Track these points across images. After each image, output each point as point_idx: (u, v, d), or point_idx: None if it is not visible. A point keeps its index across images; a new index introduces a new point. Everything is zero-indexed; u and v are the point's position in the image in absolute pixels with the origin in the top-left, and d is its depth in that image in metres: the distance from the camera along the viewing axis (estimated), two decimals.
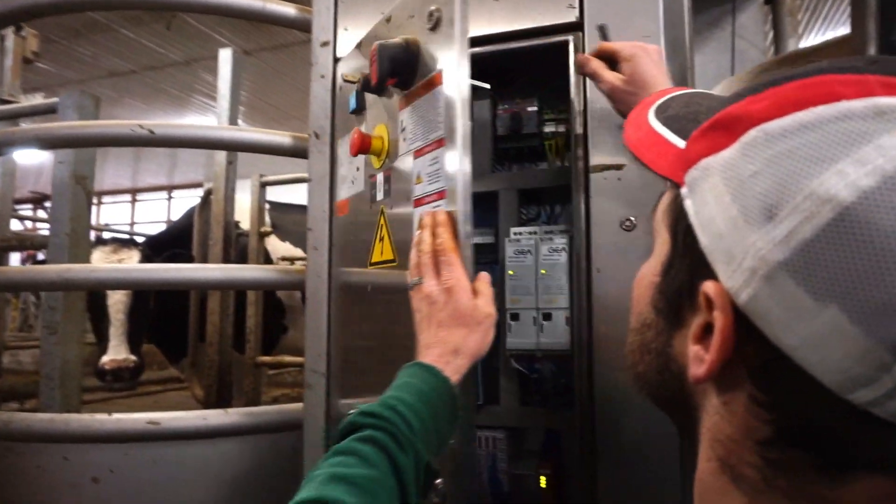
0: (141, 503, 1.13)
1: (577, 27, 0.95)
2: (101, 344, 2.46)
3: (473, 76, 0.81)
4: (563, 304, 1.00)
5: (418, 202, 0.83)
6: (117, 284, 1.62)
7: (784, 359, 0.33)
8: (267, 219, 3.16)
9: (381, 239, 0.92)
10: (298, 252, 3.27)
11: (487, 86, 1.11)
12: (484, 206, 1.09)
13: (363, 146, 0.91)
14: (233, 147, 1.78)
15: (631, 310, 0.49)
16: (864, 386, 0.30)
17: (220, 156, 2.55)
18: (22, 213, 8.44)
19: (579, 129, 0.95)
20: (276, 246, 3.31)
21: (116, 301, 2.48)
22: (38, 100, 2.36)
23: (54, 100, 1.83)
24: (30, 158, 9.00)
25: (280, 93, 7.82)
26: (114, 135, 1.17)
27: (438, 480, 0.63)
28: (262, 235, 3.01)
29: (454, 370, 0.68)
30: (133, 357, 2.45)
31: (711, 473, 0.39)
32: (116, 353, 2.43)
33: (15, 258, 7.45)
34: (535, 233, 1.06)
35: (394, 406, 0.60)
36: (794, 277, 0.31)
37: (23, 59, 2.93)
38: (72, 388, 1.74)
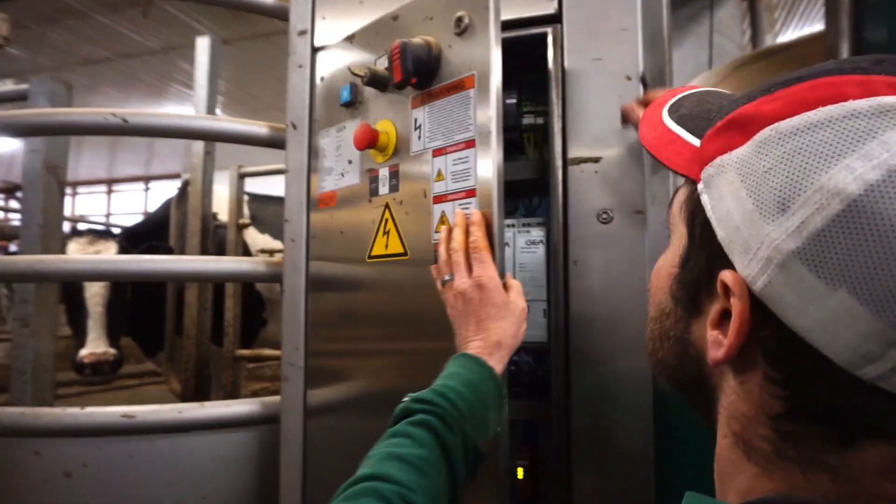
0: (115, 498, 1.12)
1: (555, 19, 0.95)
2: (79, 337, 2.42)
3: None
4: (540, 296, 1.00)
5: (440, 199, 0.87)
6: (90, 276, 1.59)
7: (797, 340, 0.35)
8: (246, 210, 3.12)
9: (387, 232, 0.94)
10: (278, 244, 3.24)
11: None
12: None
13: (371, 141, 0.92)
14: (209, 137, 1.75)
15: (649, 300, 0.52)
16: (872, 362, 0.33)
17: (198, 146, 2.51)
18: None
19: (557, 122, 0.95)
20: (255, 238, 3.28)
21: (95, 293, 2.43)
22: (8, 86, 2.30)
23: (24, 86, 1.78)
24: (1, 146, 8.79)
25: (260, 83, 7.71)
26: (86, 123, 1.14)
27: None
28: (241, 227, 2.98)
29: (497, 361, 0.72)
30: (112, 350, 2.42)
31: (727, 448, 0.42)
32: (95, 346, 2.39)
33: None
34: (512, 225, 1.07)
35: (444, 393, 0.65)
36: (807, 265, 0.34)
37: None
38: (44, 382, 1.71)
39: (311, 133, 1.13)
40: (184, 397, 2.52)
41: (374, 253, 0.97)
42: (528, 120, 1.08)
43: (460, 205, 0.84)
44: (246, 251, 3.15)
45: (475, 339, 0.73)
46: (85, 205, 13.64)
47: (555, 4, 0.95)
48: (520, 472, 1.03)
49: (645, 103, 0.88)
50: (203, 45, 2.52)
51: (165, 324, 2.78)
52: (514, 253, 1.03)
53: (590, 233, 0.92)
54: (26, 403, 1.63)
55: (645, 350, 0.52)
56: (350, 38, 1.05)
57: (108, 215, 13.38)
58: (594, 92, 0.92)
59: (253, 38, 6.47)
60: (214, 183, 2.60)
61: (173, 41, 6.60)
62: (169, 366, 2.95)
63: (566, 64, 0.94)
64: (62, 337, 2.58)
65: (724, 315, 0.40)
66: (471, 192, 0.82)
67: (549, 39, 0.96)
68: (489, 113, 0.80)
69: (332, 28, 1.14)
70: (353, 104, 1.02)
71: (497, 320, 0.74)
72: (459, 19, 0.84)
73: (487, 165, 0.80)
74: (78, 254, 2.44)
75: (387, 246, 0.94)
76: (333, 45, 1.10)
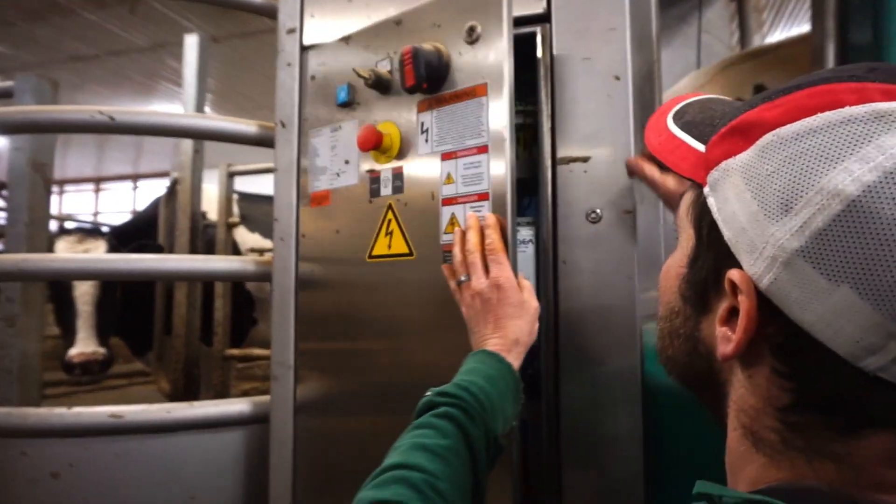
0: (103, 498, 1.11)
1: (544, 18, 0.95)
2: (68, 336, 2.40)
3: None
4: None
5: (449, 201, 0.90)
6: (77, 275, 1.58)
7: (802, 334, 0.37)
8: (235, 209, 3.10)
9: (390, 233, 0.96)
10: (268, 243, 3.22)
11: None
12: None
13: (376, 142, 0.94)
14: (197, 135, 1.74)
15: (658, 300, 0.54)
16: (874, 353, 0.35)
17: (187, 144, 2.50)
18: None
19: (546, 122, 0.95)
20: (245, 237, 3.26)
21: (84, 292, 2.41)
22: None
23: (9, 83, 1.76)
24: None
25: (250, 81, 7.67)
26: (72, 121, 1.13)
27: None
28: (230, 226, 2.96)
29: (515, 357, 0.76)
30: (102, 350, 2.39)
31: (737, 441, 0.44)
32: (85, 345, 2.36)
33: None
34: None
35: (466, 387, 0.67)
36: (810, 262, 0.36)
37: None
38: (31, 382, 1.70)
39: (300, 132, 1.13)
40: (173, 397, 2.50)
41: (375, 253, 0.98)
42: (517, 119, 1.08)
43: (472, 207, 0.87)
44: (236, 250, 3.13)
45: (494, 337, 0.76)
46: (73, 203, 13.51)
47: (543, 4, 0.95)
48: None
49: (650, 156, 0.90)
50: (192, 42, 2.50)
51: (154, 323, 2.76)
52: None
53: (579, 232, 0.92)
54: (13, 403, 1.61)
55: (655, 348, 0.54)
56: (346, 39, 1.06)
57: (96, 214, 13.25)
58: (583, 91, 0.93)
59: (242, 36, 6.43)
60: (204, 181, 2.58)
61: (161, 38, 6.54)
62: (158, 366, 2.93)
63: (555, 63, 0.95)
64: (49, 336, 2.56)
65: (732, 312, 0.42)
66: (483, 196, 0.86)
67: (538, 39, 0.97)
68: (503, 121, 0.84)
69: (320, 26, 1.14)
70: (350, 105, 1.04)
71: (514, 319, 0.77)
72: (472, 28, 0.87)
73: (501, 171, 0.84)
74: (66, 252, 2.41)
75: (390, 246, 0.96)
76: (327, 45, 1.10)
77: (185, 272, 1.29)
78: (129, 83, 7.94)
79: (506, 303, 0.77)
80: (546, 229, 0.94)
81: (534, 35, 0.97)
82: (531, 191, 1.08)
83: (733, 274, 0.41)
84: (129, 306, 2.72)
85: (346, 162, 1.04)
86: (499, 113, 0.85)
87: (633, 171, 0.91)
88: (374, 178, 1.00)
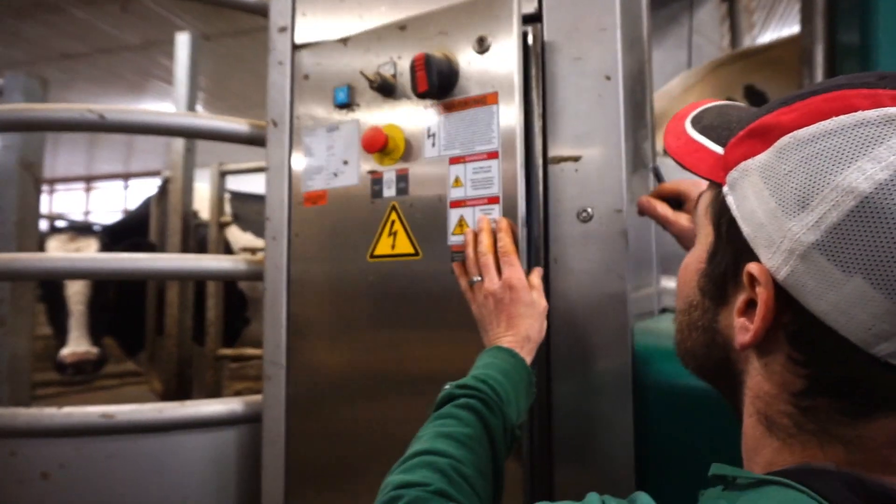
0: (94, 499, 1.10)
1: (535, 18, 0.96)
2: (60, 336, 2.38)
3: None
4: None
5: (458, 203, 0.94)
6: (67, 274, 1.57)
7: (817, 323, 0.40)
8: (227, 208, 3.09)
9: (394, 233, 0.98)
10: (260, 243, 3.21)
11: None
12: None
13: (382, 144, 0.97)
14: (188, 134, 1.74)
15: (677, 295, 0.57)
16: (885, 340, 0.38)
17: (179, 143, 2.49)
18: None
19: (537, 121, 0.96)
20: (238, 237, 3.24)
21: (76, 292, 2.40)
22: None
23: None
24: None
25: (242, 80, 7.62)
26: (61, 119, 1.13)
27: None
28: (222, 225, 2.95)
29: (527, 353, 0.79)
30: (94, 349, 2.38)
31: (752, 426, 0.47)
32: (77, 345, 2.35)
33: None
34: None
35: (484, 379, 0.71)
36: (825, 255, 0.39)
37: None
38: (21, 382, 1.69)
39: (292, 131, 1.13)
40: (165, 397, 2.49)
41: (377, 252, 1.01)
42: None
43: (482, 210, 0.91)
44: (228, 250, 3.12)
45: (507, 335, 0.80)
46: (63, 202, 13.39)
47: (535, 4, 0.96)
48: None
49: (659, 195, 0.94)
50: (183, 40, 2.49)
51: (146, 323, 2.74)
52: None
53: (570, 231, 0.92)
54: (2, 403, 1.60)
55: (673, 342, 0.57)
56: (344, 41, 1.07)
57: (86, 213, 13.15)
58: (574, 91, 0.93)
59: (234, 35, 6.39)
60: (195, 180, 2.57)
61: (153, 36, 6.48)
62: (150, 366, 2.92)
63: (546, 63, 0.95)
64: (40, 336, 2.54)
65: (749, 304, 0.45)
66: (493, 200, 0.90)
67: (530, 38, 0.97)
68: (515, 130, 0.89)
69: (312, 25, 1.14)
70: (349, 106, 1.05)
71: (525, 318, 0.81)
72: (482, 39, 0.92)
73: (512, 176, 0.89)
74: (58, 251, 2.40)
75: (393, 246, 0.99)
76: (322, 45, 1.10)
77: (176, 271, 1.29)
78: (120, 81, 7.88)
79: (518, 302, 0.81)
80: (537, 228, 0.95)
81: (525, 35, 0.98)
82: None
83: (752, 267, 0.43)
84: (122, 306, 2.71)
85: (345, 162, 1.05)
86: (510, 121, 0.89)
87: (645, 211, 0.93)
88: (376, 179, 1.02)
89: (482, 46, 0.92)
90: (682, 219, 0.89)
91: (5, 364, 1.64)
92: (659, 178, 0.98)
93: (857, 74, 0.43)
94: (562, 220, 0.93)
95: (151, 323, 2.72)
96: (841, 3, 1.25)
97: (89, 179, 13.53)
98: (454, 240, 0.94)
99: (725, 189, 0.48)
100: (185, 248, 2.49)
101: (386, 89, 1.00)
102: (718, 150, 0.51)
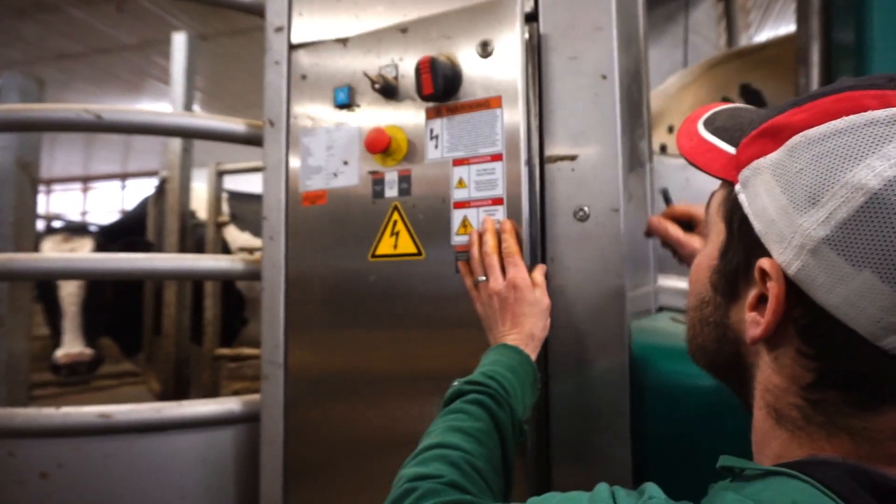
0: (92, 499, 1.10)
1: (531, 18, 0.96)
2: (56, 337, 2.38)
3: None
4: None
5: (461, 204, 0.95)
6: (64, 274, 1.57)
7: (827, 316, 0.41)
8: (225, 208, 3.09)
9: (396, 233, 0.99)
10: (258, 242, 3.19)
11: None
12: None
13: (385, 145, 0.98)
14: (185, 134, 1.74)
15: (688, 293, 0.58)
16: (893, 333, 0.39)
17: (176, 143, 2.48)
18: None
19: (534, 121, 0.96)
20: (235, 236, 3.24)
21: (69, 293, 2.40)
22: None
23: None
24: None
25: (239, 80, 7.60)
26: (58, 119, 1.13)
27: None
28: (220, 225, 2.95)
29: (531, 350, 0.81)
30: (89, 350, 2.38)
31: (761, 419, 0.48)
32: (71, 346, 2.36)
33: None
34: None
35: (492, 375, 0.72)
36: (835, 249, 0.40)
37: None
38: (19, 382, 1.68)
39: (288, 130, 1.13)
40: (163, 397, 2.49)
41: (378, 252, 1.02)
42: None
43: (486, 211, 0.93)
44: (226, 250, 3.11)
45: (512, 333, 0.82)
46: (60, 202, 13.36)
47: (531, 3, 0.96)
48: None
49: (669, 216, 0.96)
50: (180, 40, 2.49)
51: (144, 323, 2.74)
52: None
53: (566, 230, 0.93)
54: (1, 404, 1.60)
55: (685, 339, 0.58)
56: (343, 42, 1.08)
57: (84, 213, 13.12)
58: (570, 90, 0.93)
59: (231, 34, 6.38)
60: (193, 180, 2.57)
61: (149, 36, 6.47)
62: (148, 366, 2.92)
63: (542, 62, 0.95)
64: (38, 337, 2.54)
65: (761, 299, 0.46)
66: (497, 201, 0.92)
67: (526, 37, 0.97)
68: (519, 133, 0.91)
69: (308, 25, 1.14)
70: (349, 107, 1.06)
71: (529, 316, 0.83)
72: (485, 43, 0.93)
73: (515, 177, 0.91)
74: (52, 251, 2.40)
75: (395, 246, 1.00)
76: (320, 45, 1.10)
77: (174, 271, 1.29)
78: (117, 81, 7.87)
79: (522, 301, 0.83)
80: (534, 228, 0.95)
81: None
82: None
83: (764, 262, 0.44)
84: (119, 306, 2.70)
85: (345, 163, 1.05)
86: (513, 124, 0.91)
87: (655, 233, 0.95)
88: (378, 179, 1.02)
89: (486, 51, 0.93)
90: (693, 240, 0.90)
91: (3, 364, 1.64)
92: (668, 200, 0.98)
93: (866, 76, 0.44)
94: (558, 220, 0.93)
95: (149, 323, 2.72)
96: (836, 2, 1.25)
97: (86, 180, 13.50)
98: (458, 240, 0.95)
99: (737, 187, 0.49)
100: (183, 248, 2.49)
101: (388, 91, 1.01)
102: (730, 150, 0.52)
